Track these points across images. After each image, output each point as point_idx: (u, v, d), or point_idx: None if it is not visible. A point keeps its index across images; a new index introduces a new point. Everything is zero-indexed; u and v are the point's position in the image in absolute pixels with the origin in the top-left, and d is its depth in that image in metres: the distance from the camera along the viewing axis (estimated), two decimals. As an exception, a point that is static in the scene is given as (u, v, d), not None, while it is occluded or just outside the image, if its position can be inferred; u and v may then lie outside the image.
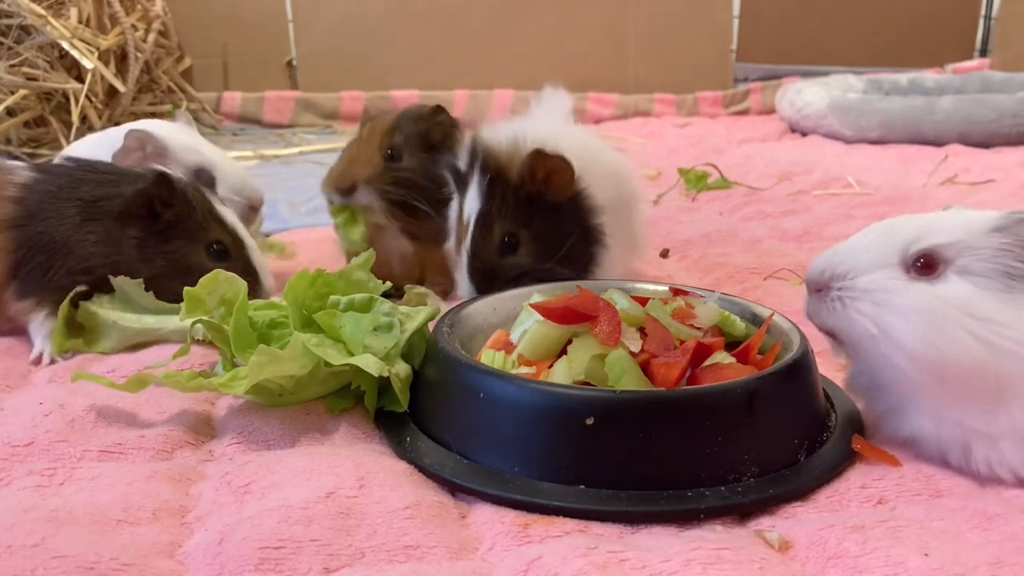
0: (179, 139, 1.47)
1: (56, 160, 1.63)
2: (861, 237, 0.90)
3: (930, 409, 0.86)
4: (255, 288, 1.22)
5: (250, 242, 1.27)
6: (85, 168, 1.24)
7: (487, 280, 1.24)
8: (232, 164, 1.52)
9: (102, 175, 1.22)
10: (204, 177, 1.45)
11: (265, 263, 1.29)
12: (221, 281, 1.05)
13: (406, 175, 1.41)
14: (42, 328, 1.19)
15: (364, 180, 1.41)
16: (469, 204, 1.27)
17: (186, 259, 1.20)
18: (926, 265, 0.85)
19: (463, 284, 1.26)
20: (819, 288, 0.90)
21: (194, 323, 1.05)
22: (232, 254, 1.23)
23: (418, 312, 1.05)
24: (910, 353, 0.83)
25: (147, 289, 1.18)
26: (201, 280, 1.04)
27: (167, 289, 1.18)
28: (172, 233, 1.20)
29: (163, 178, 1.17)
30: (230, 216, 1.27)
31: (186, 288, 1.04)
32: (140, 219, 1.18)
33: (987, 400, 0.82)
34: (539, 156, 1.22)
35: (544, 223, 1.26)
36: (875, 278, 0.86)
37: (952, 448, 0.87)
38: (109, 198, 1.19)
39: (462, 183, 1.30)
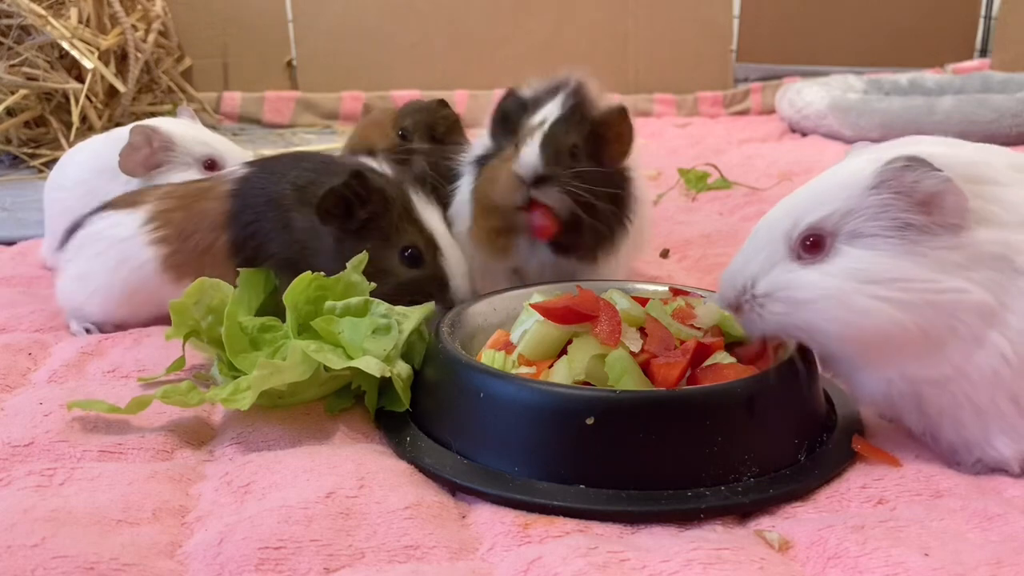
0: (185, 132, 1.47)
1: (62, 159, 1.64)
2: (748, 243, 0.90)
3: (876, 373, 0.86)
4: (443, 296, 1.15)
5: (447, 245, 1.19)
6: (295, 159, 1.23)
7: (555, 158, 1.17)
8: (240, 152, 1.52)
9: (310, 165, 1.20)
10: (212, 165, 1.45)
11: (462, 267, 1.20)
12: (207, 289, 1.04)
13: (420, 153, 1.41)
14: None
15: (382, 149, 1.40)
16: (547, 111, 1.24)
17: (378, 262, 1.11)
18: (814, 245, 0.84)
19: (528, 155, 1.16)
20: (735, 308, 0.90)
21: (185, 339, 1.05)
22: (424, 259, 1.16)
23: (414, 311, 1.05)
24: (831, 336, 0.84)
25: None
26: (187, 290, 1.03)
27: None
28: (366, 233, 1.13)
29: (358, 175, 1.11)
30: (430, 216, 1.19)
31: (171, 301, 1.03)
32: (335, 216, 1.12)
33: (923, 350, 0.81)
34: (624, 113, 1.25)
35: (597, 170, 1.24)
36: (771, 278, 0.86)
37: (907, 405, 0.87)
38: (313, 188, 1.15)
39: (530, 108, 1.27)
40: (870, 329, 0.81)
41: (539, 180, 1.16)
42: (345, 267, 1.06)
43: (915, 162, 0.80)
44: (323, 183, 1.13)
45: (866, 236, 0.81)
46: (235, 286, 1.07)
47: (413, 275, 1.14)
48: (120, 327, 1.28)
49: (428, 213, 1.18)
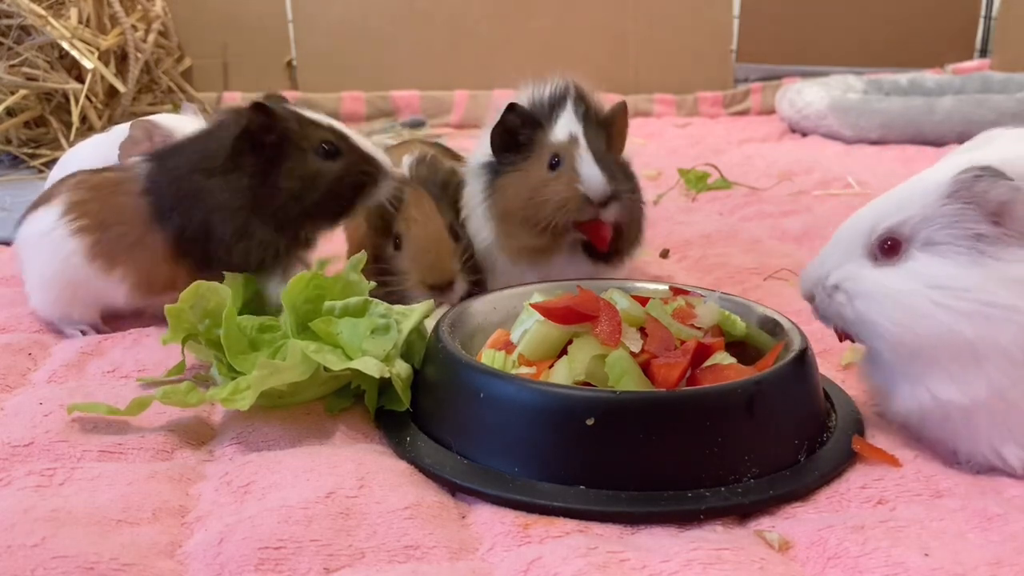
0: (186, 128, 1.47)
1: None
2: (829, 242, 0.94)
3: (913, 385, 0.87)
4: (378, 176, 1.19)
5: (352, 133, 1.22)
6: (185, 141, 1.25)
7: (613, 176, 1.24)
8: None
9: (199, 138, 1.22)
10: None
11: (378, 147, 1.24)
12: (204, 292, 1.04)
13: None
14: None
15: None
16: (567, 124, 1.28)
17: (302, 170, 1.16)
18: (892, 248, 0.86)
19: (595, 177, 1.22)
20: (810, 298, 0.94)
21: (184, 342, 1.05)
22: (342, 148, 1.19)
23: (413, 310, 1.05)
24: (885, 335, 0.86)
25: (290, 217, 1.16)
26: (182, 294, 1.03)
27: (306, 210, 1.17)
28: (283, 154, 1.17)
29: (259, 107, 1.15)
30: (322, 117, 1.22)
31: (167, 306, 1.04)
32: (250, 155, 1.15)
33: (963, 366, 0.82)
34: (626, 109, 1.35)
35: (632, 176, 1.34)
36: (842, 271, 0.90)
37: (933, 425, 0.88)
38: (215, 156, 1.17)
39: (544, 121, 1.30)
40: (922, 332, 0.83)
41: (607, 200, 1.23)
42: (279, 201, 1.13)
43: (987, 171, 0.81)
44: (221, 145, 1.16)
45: (939, 244, 0.83)
46: (184, 287, 1.07)
47: (339, 167, 1.18)
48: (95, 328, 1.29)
49: (318, 116, 1.22)
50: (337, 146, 1.19)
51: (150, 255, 1.21)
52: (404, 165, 1.38)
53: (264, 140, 1.15)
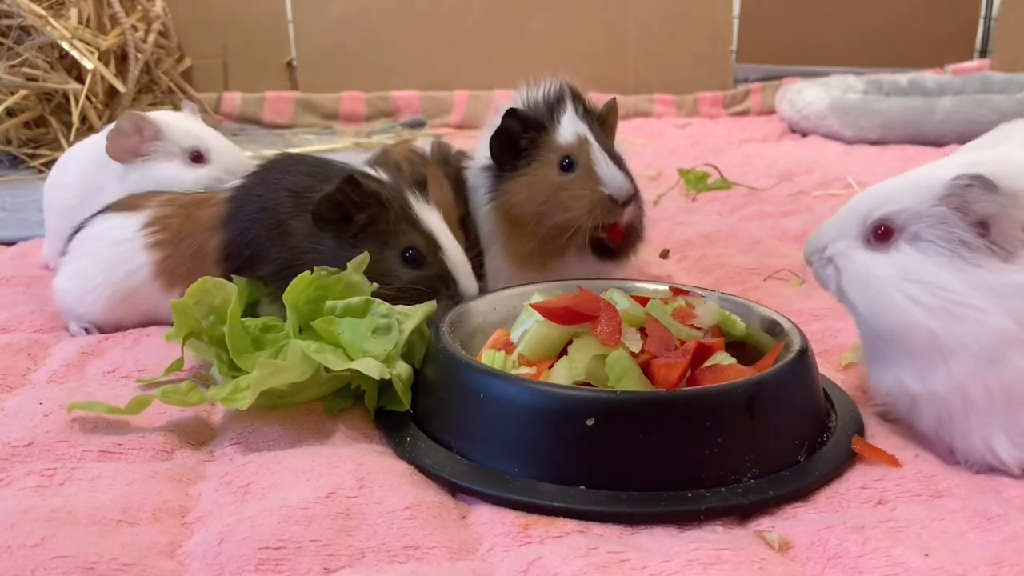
0: (175, 122, 1.47)
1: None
2: (833, 217, 0.97)
3: (885, 370, 0.91)
4: (453, 294, 1.15)
5: (449, 244, 1.17)
6: (290, 163, 1.22)
7: (629, 177, 1.27)
8: (227, 144, 1.50)
9: (304, 169, 1.19)
10: (199, 158, 1.45)
11: (466, 266, 1.18)
12: (210, 288, 1.04)
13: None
14: None
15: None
16: (572, 125, 1.29)
17: (380, 264, 1.11)
18: (885, 233, 0.89)
19: (617, 177, 1.24)
20: (809, 263, 0.99)
21: (184, 340, 1.05)
22: (427, 259, 1.14)
23: (415, 311, 1.05)
24: (862, 315, 0.91)
25: None
26: (188, 289, 1.03)
27: None
28: (364, 237, 1.13)
29: (351, 180, 1.10)
30: (429, 216, 1.16)
31: (173, 301, 1.03)
32: (332, 222, 1.12)
33: (929, 359, 0.85)
34: (616, 104, 1.38)
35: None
36: (836, 247, 0.93)
37: (904, 412, 0.91)
38: (310, 194, 1.13)
39: (546, 123, 1.29)
40: (893, 321, 0.86)
41: (628, 201, 1.25)
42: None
43: (978, 180, 0.82)
44: (319, 188, 1.12)
45: (924, 241, 0.86)
46: None
47: (416, 275, 1.13)
48: (117, 328, 1.28)
49: (426, 214, 1.17)
50: (424, 256, 1.14)
51: (203, 263, 1.18)
52: (425, 146, 1.39)
53: (351, 215, 1.12)
